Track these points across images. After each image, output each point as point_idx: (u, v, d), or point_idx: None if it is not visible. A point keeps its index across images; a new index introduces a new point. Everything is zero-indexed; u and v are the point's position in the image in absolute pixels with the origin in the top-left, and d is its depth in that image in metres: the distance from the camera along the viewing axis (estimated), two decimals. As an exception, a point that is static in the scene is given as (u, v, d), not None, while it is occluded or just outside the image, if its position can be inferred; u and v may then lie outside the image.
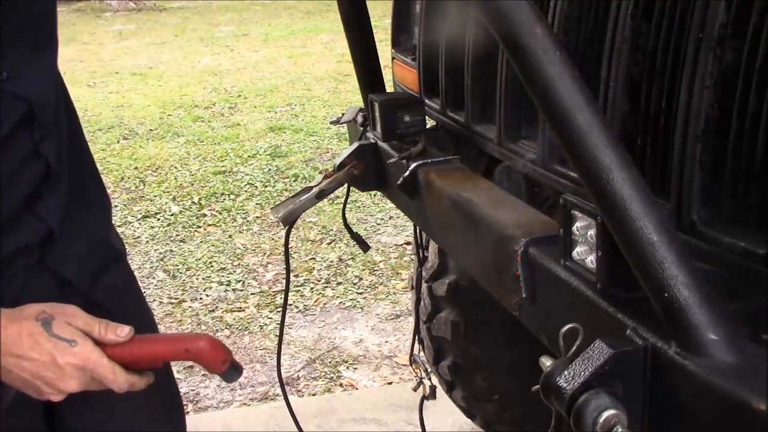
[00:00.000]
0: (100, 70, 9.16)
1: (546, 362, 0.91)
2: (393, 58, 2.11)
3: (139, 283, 1.59)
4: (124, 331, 1.11)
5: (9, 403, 1.23)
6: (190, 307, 3.74)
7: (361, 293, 3.90)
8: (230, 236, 4.55)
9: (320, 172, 5.38)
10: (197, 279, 4.03)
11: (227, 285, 3.94)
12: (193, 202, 5.03)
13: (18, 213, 1.16)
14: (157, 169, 5.65)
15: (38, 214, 1.19)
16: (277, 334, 1.87)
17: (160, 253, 4.34)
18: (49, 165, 1.19)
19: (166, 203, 5.03)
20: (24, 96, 1.13)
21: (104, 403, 1.28)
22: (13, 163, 1.14)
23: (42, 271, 1.24)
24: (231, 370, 1.21)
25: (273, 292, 3.90)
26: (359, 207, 4.87)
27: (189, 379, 3.19)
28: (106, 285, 1.34)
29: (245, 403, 3.03)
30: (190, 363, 3.23)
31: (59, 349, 1.04)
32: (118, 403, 1.27)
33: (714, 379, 0.80)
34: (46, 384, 1.06)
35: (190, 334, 1.13)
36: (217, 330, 3.54)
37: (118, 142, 6.34)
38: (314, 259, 4.26)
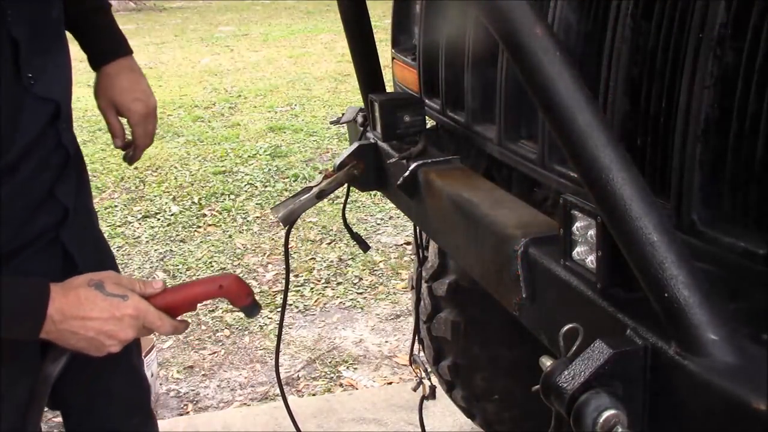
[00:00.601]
0: (100, 70, 9.14)
1: (546, 362, 0.91)
2: (393, 58, 2.11)
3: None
4: (158, 284, 1.28)
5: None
6: (190, 307, 3.74)
7: (361, 293, 3.91)
8: (230, 236, 4.55)
9: (320, 172, 5.38)
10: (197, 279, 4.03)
11: (227, 285, 3.93)
12: (193, 202, 5.03)
13: (45, 199, 1.31)
14: (157, 169, 5.65)
15: (57, 197, 1.33)
16: (277, 333, 1.87)
17: (160, 253, 4.34)
18: (69, 154, 1.34)
19: (166, 203, 5.03)
20: (51, 97, 1.26)
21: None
22: (42, 156, 1.27)
23: (53, 247, 1.37)
24: (253, 305, 1.39)
25: (273, 292, 3.90)
26: (359, 207, 4.87)
27: (189, 379, 3.19)
28: (90, 254, 1.47)
29: (245, 403, 3.03)
30: (190, 363, 3.23)
31: (115, 305, 1.19)
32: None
33: (714, 379, 0.80)
34: (108, 337, 1.20)
35: (217, 275, 1.38)
36: (217, 330, 3.55)
37: (119, 142, 6.34)
38: (314, 259, 4.26)
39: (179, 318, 1.32)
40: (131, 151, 1.66)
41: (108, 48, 1.56)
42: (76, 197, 1.40)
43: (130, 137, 1.64)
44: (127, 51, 1.58)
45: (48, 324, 1.15)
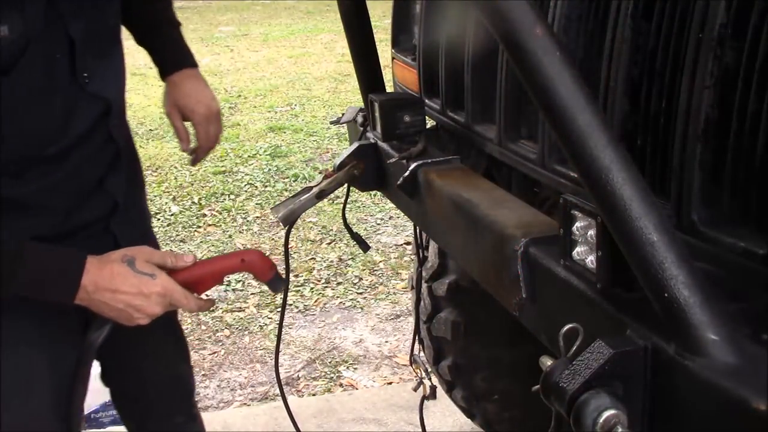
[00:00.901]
0: (100, 70, 9.14)
1: (546, 362, 0.91)
2: (393, 58, 2.11)
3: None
4: (189, 258, 1.38)
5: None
6: (190, 307, 3.74)
7: (361, 293, 3.91)
8: (230, 236, 4.55)
9: (320, 172, 5.38)
10: (197, 279, 4.03)
11: (227, 285, 3.94)
12: (193, 202, 5.03)
13: (94, 189, 1.43)
14: (157, 169, 5.65)
15: (107, 190, 1.45)
16: (277, 334, 1.87)
17: (160, 253, 4.34)
18: (119, 149, 1.46)
19: (166, 203, 5.03)
20: (103, 95, 1.38)
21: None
22: (92, 149, 1.39)
23: (105, 236, 1.49)
24: (276, 279, 1.47)
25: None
26: (359, 207, 4.87)
27: (189, 379, 3.19)
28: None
29: (245, 403, 3.04)
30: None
31: (144, 282, 1.29)
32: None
33: (714, 378, 0.80)
34: (136, 311, 1.30)
35: (241, 250, 1.47)
36: (217, 330, 3.55)
37: (118, 142, 6.34)
38: (314, 259, 4.26)
39: (205, 294, 1.42)
40: (195, 153, 1.79)
41: (177, 59, 1.70)
42: (126, 192, 1.51)
43: (194, 142, 1.78)
44: (193, 63, 1.72)
45: (82, 292, 1.26)
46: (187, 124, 1.78)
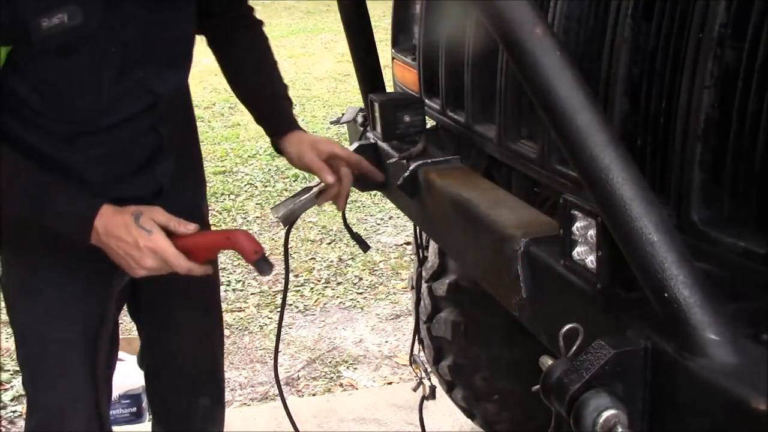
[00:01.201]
0: (100, 70, 9.14)
1: (546, 362, 0.91)
2: (393, 58, 2.11)
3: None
4: (191, 227, 1.49)
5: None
6: (190, 307, 3.74)
7: (361, 293, 3.91)
8: (230, 236, 4.54)
9: (320, 172, 5.37)
10: (197, 279, 4.03)
11: (227, 285, 3.94)
12: (193, 202, 5.03)
13: (137, 171, 1.59)
14: (157, 169, 5.65)
15: (154, 174, 1.62)
16: (276, 334, 1.88)
17: (160, 253, 4.34)
18: (162, 140, 1.61)
19: (166, 203, 5.02)
20: (153, 90, 1.55)
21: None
22: (133, 133, 1.56)
23: None
24: (262, 262, 1.54)
25: (273, 292, 3.90)
26: (359, 207, 4.87)
27: (189, 379, 3.19)
28: None
29: (245, 403, 3.04)
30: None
31: (141, 236, 1.42)
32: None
33: (714, 378, 0.80)
34: (133, 260, 1.44)
35: (231, 229, 1.65)
36: (217, 330, 3.55)
37: (118, 142, 6.34)
38: (314, 259, 4.26)
39: (202, 263, 1.51)
40: (339, 197, 1.78)
41: (290, 122, 1.82)
42: (173, 181, 1.66)
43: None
44: (297, 127, 1.83)
45: (94, 234, 1.43)
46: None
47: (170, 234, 1.47)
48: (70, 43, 1.40)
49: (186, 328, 1.86)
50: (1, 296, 1.70)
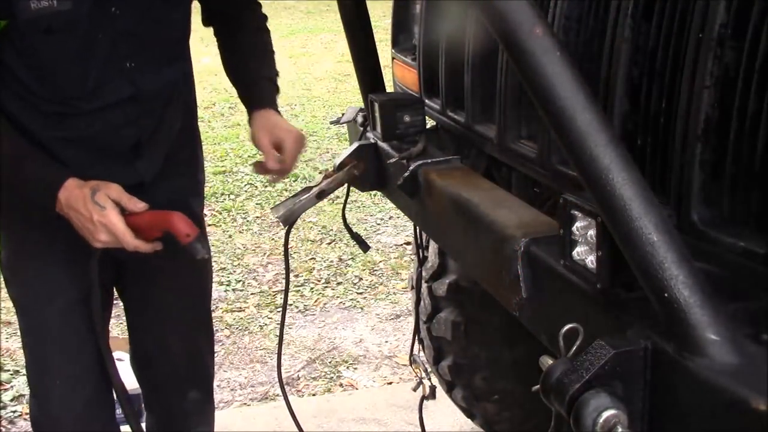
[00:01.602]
0: (100, 70, 9.14)
1: (546, 362, 0.91)
2: (393, 58, 2.11)
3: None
4: (141, 205, 1.56)
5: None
6: (190, 307, 3.74)
7: (361, 293, 3.91)
8: (230, 236, 4.55)
9: (320, 172, 5.37)
10: (197, 279, 4.03)
11: (227, 285, 3.94)
12: (193, 202, 5.03)
13: (117, 161, 1.65)
14: (157, 169, 5.65)
15: (135, 167, 1.67)
16: (277, 334, 1.88)
17: (160, 253, 4.34)
18: (142, 134, 1.66)
19: (166, 203, 5.02)
20: (135, 82, 1.61)
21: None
22: (114, 122, 1.62)
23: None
24: (195, 244, 1.57)
25: (273, 292, 3.90)
26: (359, 207, 4.87)
27: (189, 379, 3.19)
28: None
29: (245, 403, 3.03)
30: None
31: (95, 211, 1.51)
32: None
33: (714, 378, 0.80)
34: (89, 233, 1.54)
35: (168, 211, 1.60)
36: (217, 330, 3.55)
37: (118, 142, 6.34)
38: (314, 259, 4.26)
39: (149, 242, 1.58)
40: (276, 174, 1.86)
41: (266, 99, 1.87)
42: (157, 177, 1.72)
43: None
44: (277, 109, 1.88)
45: (58, 204, 1.53)
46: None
47: (124, 211, 1.55)
48: (58, 26, 1.48)
49: (172, 318, 1.90)
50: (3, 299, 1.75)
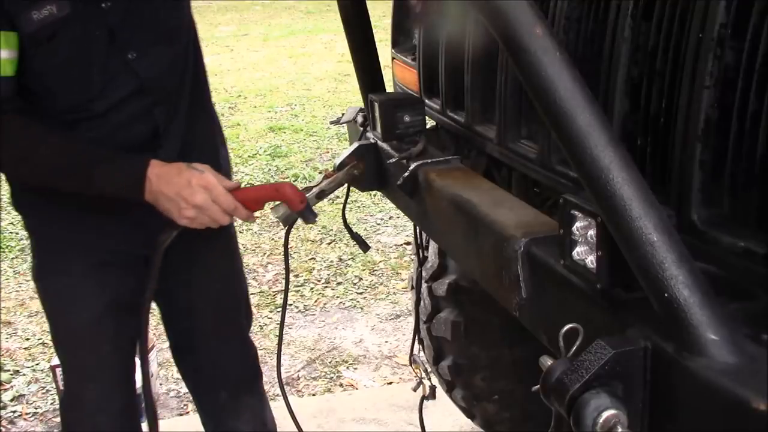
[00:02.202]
0: (100, 70, 9.14)
1: (546, 362, 0.91)
2: (393, 58, 2.11)
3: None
4: (233, 184, 1.58)
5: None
6: (190, 307, 3.74)
7: (361, 293, 3.91)
8: (230, 236, 4.54)
9: (320, 172, 5.37)
10: (197, 279, 4.03)
11: (227, 285, 3.93)
12: (193, 202, 5.02)
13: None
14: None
15: (159, 156, 1.63)
16: (277, 334, 1.88)
17: (160, 253, 4.33)
18: (158, 129, 1.67)
19: (166, 203, 5.02)
20: (140, 74, 1.61)
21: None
22: (128, 117, 1.63)
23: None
24: (308, 211, 1.64)
25: (273, 292, 3.90)
26: (359, 207, 4.87)
27: (189, 379, 3.19)
28: None
29: (245, 403, 3.03)
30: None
31: (193, 174, 1.53)
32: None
33: (714, 378, 0.80)
34: (183, 200, 1.53)
35: (277, 183, 1.72)
36: (217, 330, 3.54)
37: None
38: (314, 259, 4.26)
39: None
40: None
41: None
42: (183, 157, 1.69)
43: None
44: None
45: (148, 185, 1.53)
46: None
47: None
48: (60, 32, 1.49)
49: (204, 263, 1.91)
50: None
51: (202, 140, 1.84)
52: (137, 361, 1.86)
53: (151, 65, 1.63)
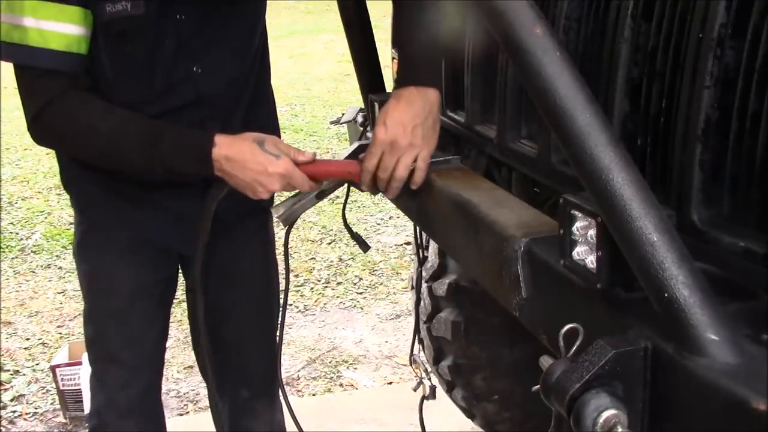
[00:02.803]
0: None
1: (546, 362, 0.91)
2: (393, 58, 2.10)
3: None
4: (309, 155, 1.53)
5: None
6: (190, 307, 3.73)
7: (361, 293, 3.91)
8: (230, 236, 4.54)
9: (320, 172, 5.37)
10: (197, 279, 4.03)
11: (227, 285, 3.93)
12: (193, 202, 5.02)
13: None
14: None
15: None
16: (279, 334, 1.88)
17: (160, 253, 4.34)
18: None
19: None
20: (200, 89, 1.63)
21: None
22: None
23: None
24: (376, 190, 1.55)
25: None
26: (359, 207, 4.87)
27: (189, 379, 3.19)
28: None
29: (245, 403, 3.03)
30: (190, 363, 3.23)
31: (269, 161, 1.47)
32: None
33: (714, 379, 0.80)
34: (259, 184, 1.50)
35: (349, 161, 1.54)
36: (217, 330, 3.54)
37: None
38: (314, 259, 4.26)
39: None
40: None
41: (403, 76, 1.57)
42: None
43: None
44: (415, 81, 1.53)
45: (216, 164, 1.49)
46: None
47: None
48: (131, 30, 1.52)
49: (252, 298, 1.95)
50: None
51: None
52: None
53: (212, 81, 1.65)
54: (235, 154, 1.48)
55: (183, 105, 1.63)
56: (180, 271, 1.93)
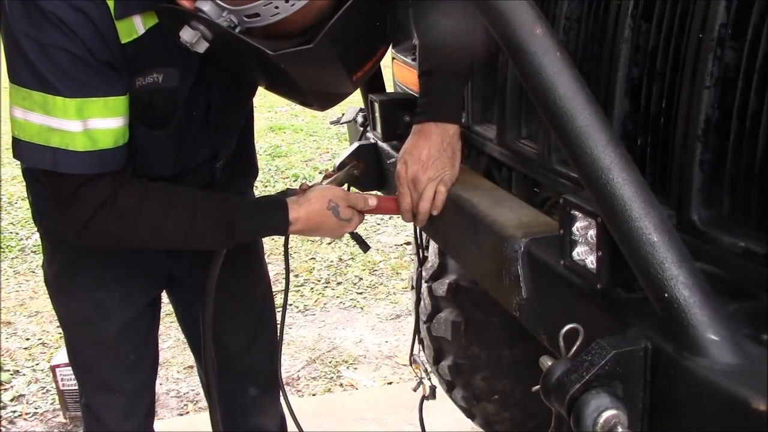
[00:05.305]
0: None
1: (546, 362, 0.91)
2: (393, 58, 2.10)
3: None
4: (373, 202, 1.61)
5: None
6: (190, 307, 3.73)
7: (361, 293, 3.91)
8: (230, 236, 4.54)
9: (320, 172, 5.38)
10: (197, 279, 4.03)
11: (227, 285, 3.93)
12: (193, 202, 5.02)
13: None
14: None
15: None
16: (279, 334, 1.87)
17: (160, 253, 4.33)
18: (215, 178, 1.70)
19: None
20: (216, 148, 1.64)
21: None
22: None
23: None
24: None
25: (273, 291, 3.89)
26: (359, 207, 4.86)
27: (189, 379, 3.19)
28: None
29: (245, 403, 3.03)
30: (190, 363, 3.23)
31: (342, 226, 1.58)
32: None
33: (714, 379, 0.80)
34: (329, 236, 1.62)
35: (390, 199, 1.64)
36: (217, 330, 3.54)
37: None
38: (314, 259, 4.26)
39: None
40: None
41: (430, 110, 1.57)
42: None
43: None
44: (447, 118, 1.55)
45: (294, 227, 1.54)
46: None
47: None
48: (158, 103, 1.42)
49: (250, 305, 1.97)
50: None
51: (242, 168, 1.85)
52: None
53: (227, 138, 1.67)
54: (314, 223, 1.55)
55: (202, 163, 1.63)
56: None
